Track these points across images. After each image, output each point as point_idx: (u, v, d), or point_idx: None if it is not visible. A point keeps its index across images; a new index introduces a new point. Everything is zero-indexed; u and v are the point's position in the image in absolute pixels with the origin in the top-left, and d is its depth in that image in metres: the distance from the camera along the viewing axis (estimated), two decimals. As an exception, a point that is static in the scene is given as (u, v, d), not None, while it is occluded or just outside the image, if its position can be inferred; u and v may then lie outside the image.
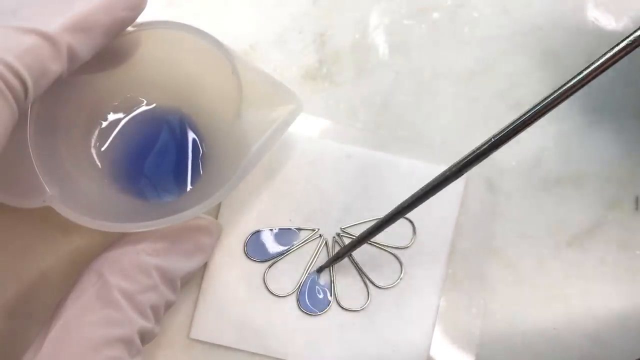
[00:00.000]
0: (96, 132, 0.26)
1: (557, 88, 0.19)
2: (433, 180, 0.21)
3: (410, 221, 0.28)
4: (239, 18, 0.30)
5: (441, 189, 0.21)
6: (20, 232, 0.27)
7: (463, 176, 0.28)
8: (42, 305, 0.26)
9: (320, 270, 0.27)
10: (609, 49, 0.18)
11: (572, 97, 0.29)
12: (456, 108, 0.29)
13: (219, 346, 0.26)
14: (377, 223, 0.23)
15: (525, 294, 0.27)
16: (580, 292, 0.28)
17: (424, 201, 0.21)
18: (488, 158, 0.28)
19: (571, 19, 0.30)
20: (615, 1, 0.30)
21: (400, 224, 0.28)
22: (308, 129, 0.29)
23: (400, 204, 0.22)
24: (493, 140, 0.19)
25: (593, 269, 0.28)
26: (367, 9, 0.30)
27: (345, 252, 0.26)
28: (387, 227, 0.23)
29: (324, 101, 0.29)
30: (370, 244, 0.27)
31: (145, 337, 0.22)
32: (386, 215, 0.23)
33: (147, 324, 0.22)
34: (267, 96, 0.25)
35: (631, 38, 0.17)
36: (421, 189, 0.21)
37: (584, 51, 0.30)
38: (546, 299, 0.27)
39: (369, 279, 0.27)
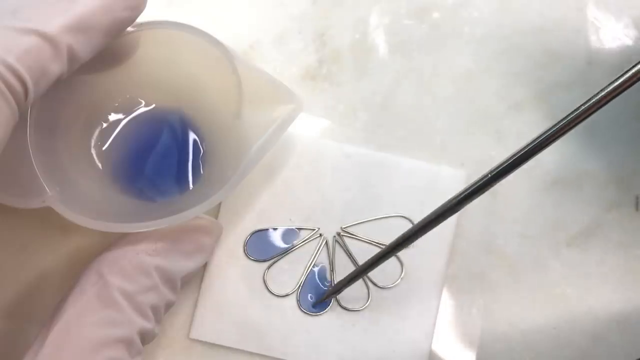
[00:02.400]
0: (96, 133, 0.26)
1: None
2: (453, 199, 0.19)
3: (411, 221, 0.28)
4: (239, 18, 0.30)
5: (462, 206, 0.19)
6: (20, 232, 0.27)
7: (463, 176, 0.28)
8: (42, 305, 0.26)
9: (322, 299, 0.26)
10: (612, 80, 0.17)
11: (572, 97, 0.29)
12: (456, 108, 0.29)
13: (219, 346, 0.26)
14: (384, 250, 0.22)
15: (525, 294, 0.27)
16: (580, 292, 0.28)
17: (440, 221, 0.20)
18: (489, 157, 0.29)
19: (571, 19, 0.30)
20: (615, 1, 0.30)
21: (400, 224, 0.28)
22: (308, 129, 0.29)
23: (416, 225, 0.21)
24: (516, 157, 0.18)
25: (593, 269, 0.28)
26: (367, 9, 0.30)
27: (355, 275, 0.24)
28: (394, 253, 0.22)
29: (324, 101, 0.29)
30: (371, 242, 0.27)
31: (146, 337, 0.22)
32: (408, 232, 0.21)
33: (147, 325, 0.22)
34: (267, 96, 0.25)
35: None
36: (443, 206, 0.20)
37: (584, 51, 0.30)
38: (546, 299, 0.27)
39: (369, 279, 0.27)
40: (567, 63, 0.30)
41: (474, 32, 0.30)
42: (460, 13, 0.30)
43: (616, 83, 0.17)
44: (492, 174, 0.18)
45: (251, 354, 0.26)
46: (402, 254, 0.27)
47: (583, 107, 0.17)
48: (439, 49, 0.30)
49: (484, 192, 0.19)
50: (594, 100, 0.17)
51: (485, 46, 0.30)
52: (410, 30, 0.30)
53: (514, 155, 0.18)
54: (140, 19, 0.21)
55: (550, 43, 0.30)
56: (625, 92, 0.30)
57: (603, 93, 0.17)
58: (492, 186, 0.19)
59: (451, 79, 0.30)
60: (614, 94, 0.17)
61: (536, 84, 0.29)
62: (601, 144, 0.29)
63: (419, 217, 0.27)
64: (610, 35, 0.30)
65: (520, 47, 0.30)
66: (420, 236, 0.21)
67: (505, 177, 0.18)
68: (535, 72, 0.30)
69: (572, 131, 0.29)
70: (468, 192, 0.19)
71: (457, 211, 0.19)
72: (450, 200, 0.19)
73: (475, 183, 0.19)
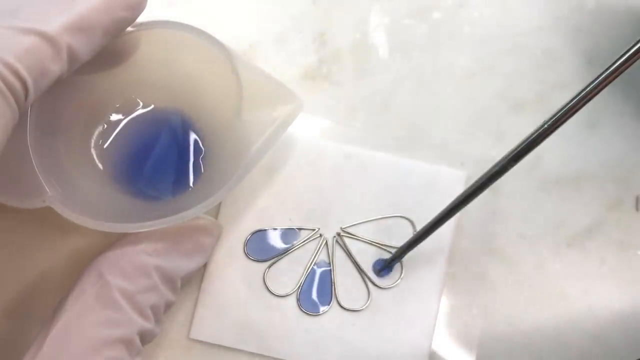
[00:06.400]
0: (96, 133, 0.26)
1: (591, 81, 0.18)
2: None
3: (411, 221, 0.28)
4: (239, 18, 0.30)
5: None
6: (20, 233, 0.27)
7: (463, 176, 0.28)
8: (42, 305, 0.26)
9: (390, 262, 0.26)
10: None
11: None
12: (456, 108, 0.29)
13: (219, 346, 0.26)
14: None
15: (525, 294, 0.27)
16: (580, 292, 0.28)
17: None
18: (489, 157, 0.28)
19: (571, 19, 0.30)
20: (615, 1, 0.30)
21: (400, 224, 0.28)
22: (308, 129, 0.29)
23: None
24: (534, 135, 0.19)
25: (593, 269, 0.28)
26: (367, 9, 0.30)
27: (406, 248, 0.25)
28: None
29: (324, 101, 0.29)
30: (371, 242, 0.27)
31: (145, 337, 0.22)
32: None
33: (147, 324, 0.22)
34: (267, 96, 0.25)
35: None
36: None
37: (584, 51, 0.30)
38: (546, 299, 0.27)
39: (369, 279, 0.27)
40: (567, 63, 0.30)
41: (474, 32, 0.30)
42: (460, 13, 0.30)
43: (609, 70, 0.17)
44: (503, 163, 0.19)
45: (251, 354, 0.26)
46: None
47: (579, 96, 0.18)
48: (439, 49, 0.30)
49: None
50: (592, 85, 0.17)
51: (485, 46, 0.30)
52: (410, 30, 0.30)
53: (516, 148, 0.19)
54: (140, 19, 0.21)
55: (550, 43, 0.30)
56: (626, 91, 0.30)
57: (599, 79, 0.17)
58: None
59: (451, 79, 0.30)
60: (610, 79, 0.17)
61: (536, 84, 0.29)
62: (601, 144, 0.29)
63: (418, 217, 0.28)
64: (610, 35, 0.30)
65: (520, 47, 0.30)
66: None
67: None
68: (535, 72, 0.30)
69: (572, 130, 0.29)
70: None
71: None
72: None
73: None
